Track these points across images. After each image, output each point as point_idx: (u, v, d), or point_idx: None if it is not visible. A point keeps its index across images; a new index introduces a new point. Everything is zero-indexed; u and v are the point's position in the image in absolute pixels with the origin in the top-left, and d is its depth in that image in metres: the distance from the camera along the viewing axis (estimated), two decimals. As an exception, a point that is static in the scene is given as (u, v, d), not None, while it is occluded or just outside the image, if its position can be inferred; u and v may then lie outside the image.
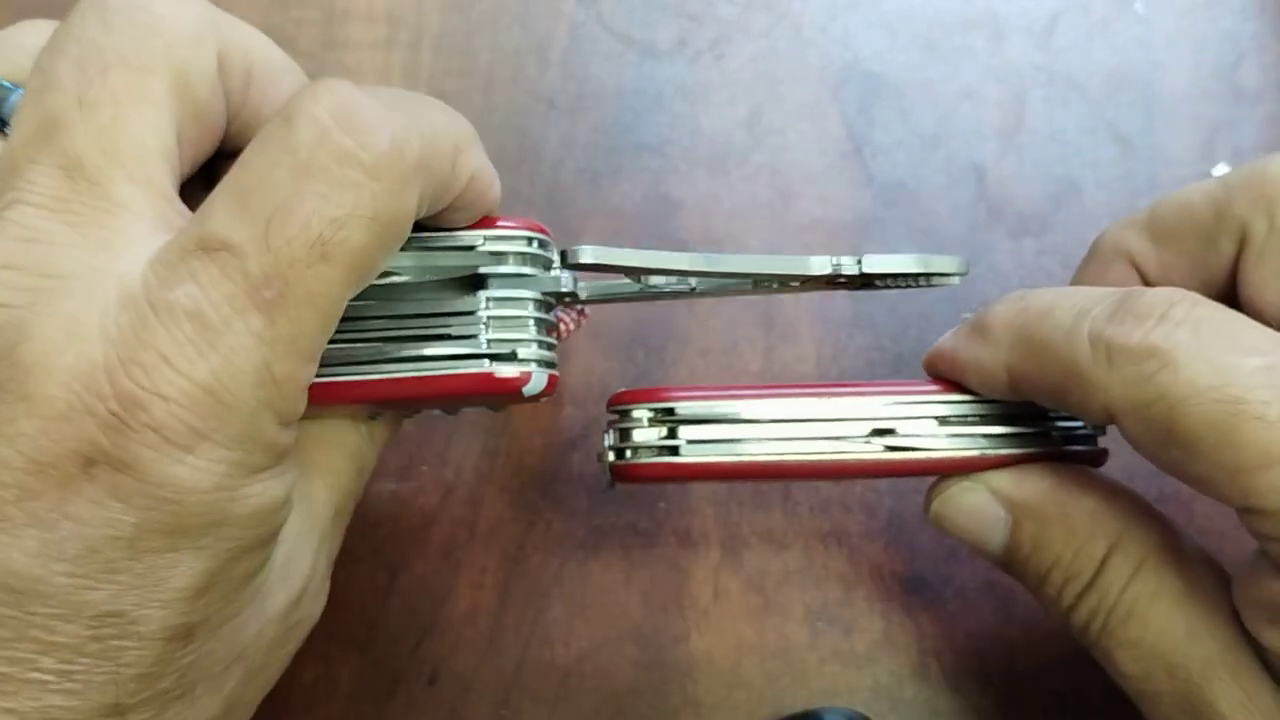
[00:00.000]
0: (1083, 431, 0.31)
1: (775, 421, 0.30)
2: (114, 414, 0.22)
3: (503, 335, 0.28)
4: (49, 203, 0.23)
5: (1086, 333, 0.26)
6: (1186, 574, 0.28)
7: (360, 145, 0.23)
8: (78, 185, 0.23)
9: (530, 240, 0.29)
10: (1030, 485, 0.30)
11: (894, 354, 0.39)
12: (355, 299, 0.27)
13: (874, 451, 0.30)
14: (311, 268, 0.23)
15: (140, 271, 0.23)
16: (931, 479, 0.32)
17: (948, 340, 0.32)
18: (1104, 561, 0.28)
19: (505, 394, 0.28)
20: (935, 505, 0.31)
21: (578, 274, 0.30)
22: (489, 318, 0.28)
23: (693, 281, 0.31)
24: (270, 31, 0.42)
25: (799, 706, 0.36)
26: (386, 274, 0.28)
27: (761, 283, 0.31)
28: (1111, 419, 0.27)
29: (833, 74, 0.43)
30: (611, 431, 0.31)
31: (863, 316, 0.40)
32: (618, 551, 0.37)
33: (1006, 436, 0.31)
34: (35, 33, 0.28)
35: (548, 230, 0.29)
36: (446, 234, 0.28)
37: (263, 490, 0.24)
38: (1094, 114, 0.42)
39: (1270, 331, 0.25)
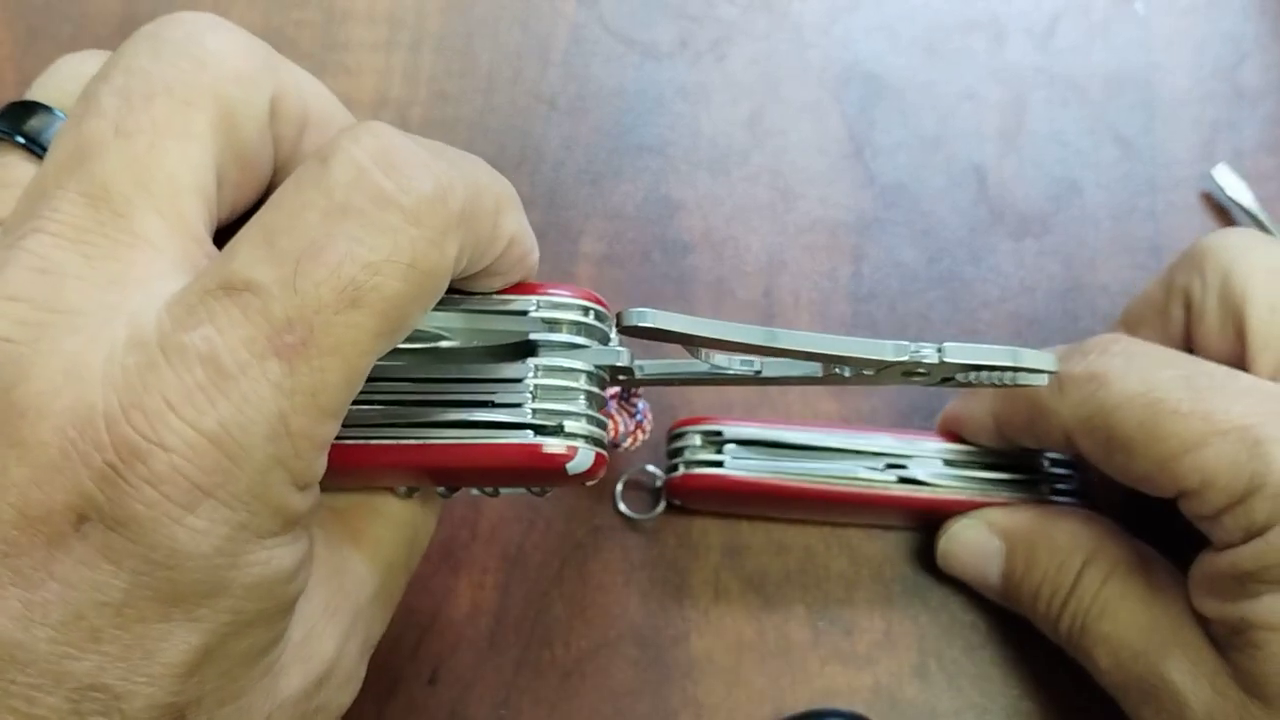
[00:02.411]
0: (1071, 486, 0.36)
1: (806, 447, 0.35)
2: (110, 465, 0.20)
3: (550, 406, 0.26)
4: (68, 231, 0.22)
5: (1048, 384, 0.31)
6: (1150, 579, 0.32)
7: (400, 188, 0.22)
8: (101, 215, 0.22)
9: (586, 310, 0.27)
10: (1019, 516, 0.35)
11: (894, 354, 0.39)
12: (398, 358, 0.26)
13: (887, 481, 0.35)
14: (340, 314, 0.21)
15: (155, 312, 0.21)
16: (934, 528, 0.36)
17: (951, 403, 0.37)
18: (1080, 572, 0.33)
19: (547, 470, 0.26)
20: (942, 544, 0.36)
21: (633, 343, 0.28)
22: (536, 386, 0.26)
23: (757, 364, 0.29)
24: (270, 33, 0.43)
25: (799, 706, 0.36)
26: (434, 336, 0.26)
27: (831, 370, 0.29)
28: (1069, 440, 0.32)
29: (833, 75, 0.43)
30: (669, 458, 0.36)
31: (863, 317, 0.40)
32: (618, 552, 0.37)
33: (1002, 481, 0.36)
34: (94, 62, 0.26)
35: (605, 303, 0.28)
36: (498, 298, 0.26)
37: (268, 559, 0.22)
38: (1094, 115, 0.42)
39: (1191, 356, 0.31)
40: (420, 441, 0.26)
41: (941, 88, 0.43)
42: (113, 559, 0.20)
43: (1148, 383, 0.30)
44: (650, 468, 0.37)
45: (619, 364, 0.27)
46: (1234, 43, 0.43)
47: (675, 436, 0.36)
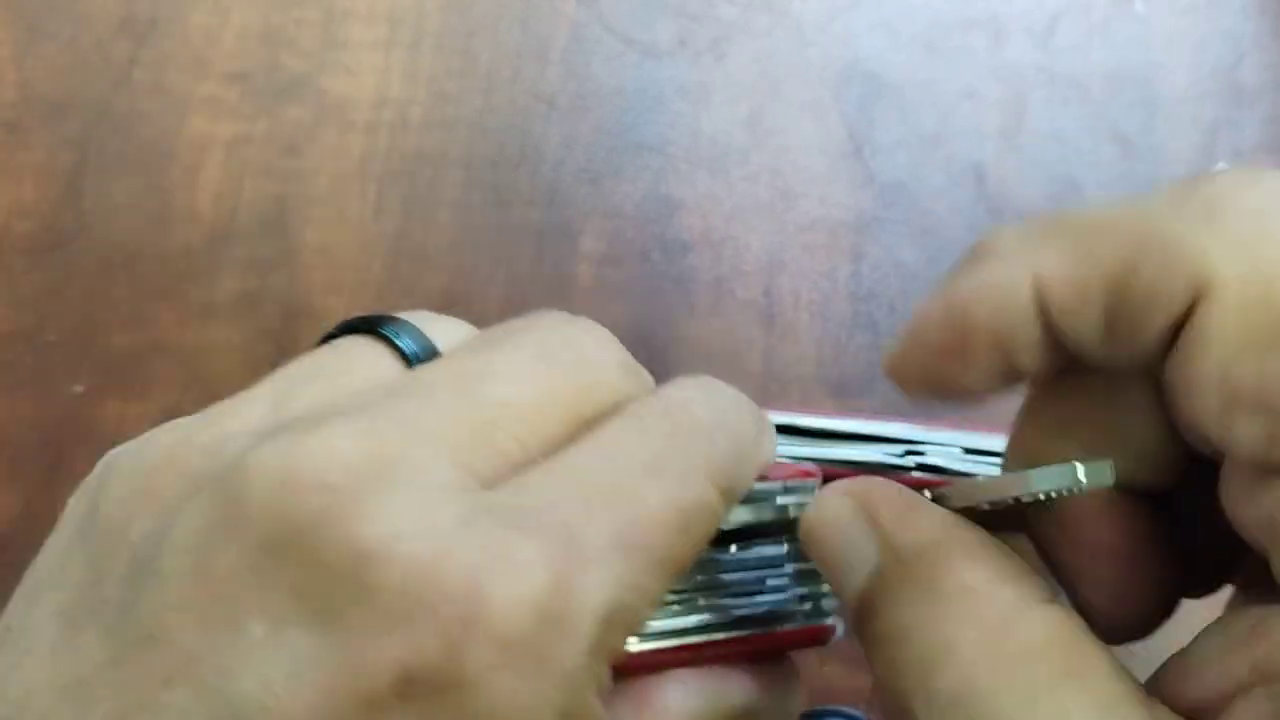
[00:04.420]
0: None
1: (824, 433, 0.34)
2: (458, 619, 0.18)
3: (808, 588, 0.26)
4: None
5: (1165, 197, 0.20)
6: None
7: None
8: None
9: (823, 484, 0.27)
10: (909, 520, 0.23)
11: (894, 354, 0.39)
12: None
13: (906, 467, 0.34)
14: (675, 532, 0.20)
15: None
16: None
17: (932, 300, 0.23)
18: None
19: (811, 645, 0.26)
20: (809, 513, 0.24)
21: None
22: (795, 570, 0.26)
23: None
24: (270, 32, 0.43)
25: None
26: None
27: None
28: (1195, 296, 0.19)
29: (833, 74, 0.43)
30: None
31: (862, 316, 0.40)
32: (618, 551, 0.37)
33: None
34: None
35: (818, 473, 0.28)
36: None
37: None
38: (1094, 114, 0.42)
39: None
40: (707, 640, 0.25)
41: (941, 86, 0.43)
42: None
43: None
44: None
45: None
46: (1233, 42, 0.43)
47: None
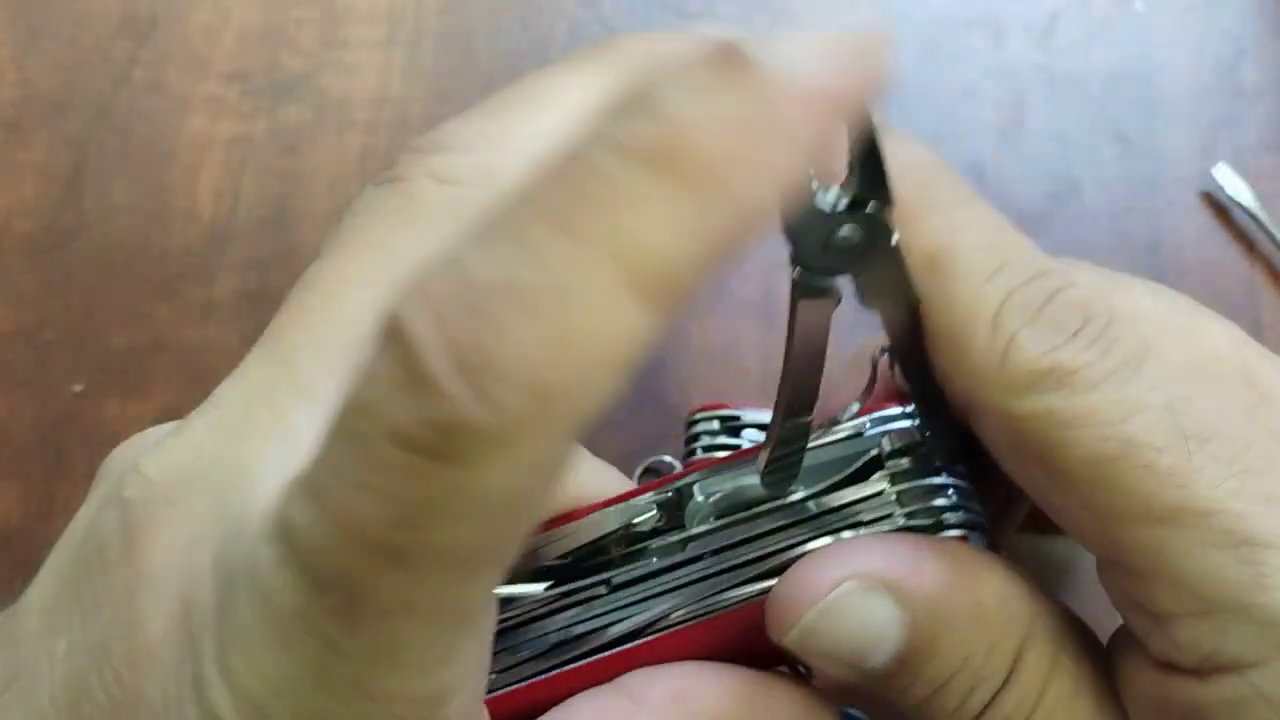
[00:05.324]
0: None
1: None
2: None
3: (920, 506, 0.24)
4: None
5: (998, 304, 0.22)
6: (1095, 662, 0.23)
7: None
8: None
9: (908, 416, 0.25)
10: (931, 571, 0.22)
11: (894, 353, 0.39)
12: (743, 520, 0.25)
13: None
14: None
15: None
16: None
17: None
18: (1019, 656, 0.22)
19: None
20: (809, 618, 0.22)
21: None
22: (899, 493, 0.24)
23: None
24: (271, 31, 0.43)
25: (799, 706, 0.36)
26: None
27: None
28: (966, 410, 0.23)
29: (833, 73, 0.43)
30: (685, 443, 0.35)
31: (864, 315, 0.40)
32: (618, 551, 0.37)
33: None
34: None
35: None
36: (826, 432, 0.26)
37: None
38: (1094, 113, 0.42)
39: (1179, 358, 0.22)
40: None
41: (941, 86, 0.43)
42: None
43: (1124, 408, 0.21)
44: (666, 458, 0.37)
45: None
46: (1233, 41, 0.43)
47: (693, 423, 0.36)
